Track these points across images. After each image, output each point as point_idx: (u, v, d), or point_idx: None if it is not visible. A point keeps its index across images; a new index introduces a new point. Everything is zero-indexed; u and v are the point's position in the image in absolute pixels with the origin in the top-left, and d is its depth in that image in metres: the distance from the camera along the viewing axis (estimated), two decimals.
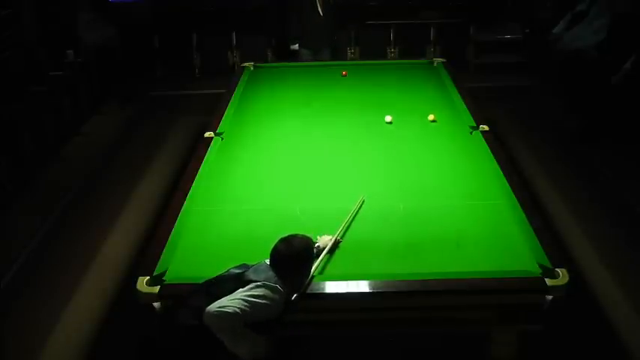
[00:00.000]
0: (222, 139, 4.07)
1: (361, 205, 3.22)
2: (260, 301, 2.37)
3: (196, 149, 3.96)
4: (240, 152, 3.96)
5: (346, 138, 4.13)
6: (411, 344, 3.30)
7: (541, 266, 2.65)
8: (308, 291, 2.57)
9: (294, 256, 2.49)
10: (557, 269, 2.60)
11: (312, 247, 2.61)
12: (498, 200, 3.26)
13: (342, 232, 2.98)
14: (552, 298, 2.53)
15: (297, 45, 6.49)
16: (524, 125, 6.34)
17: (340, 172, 3.67)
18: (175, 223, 3.03)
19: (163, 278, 2.63)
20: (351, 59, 7.57)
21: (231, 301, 2.34)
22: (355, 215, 3.14)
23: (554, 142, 5.96)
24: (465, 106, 4.47)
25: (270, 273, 2.46)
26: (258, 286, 2.40)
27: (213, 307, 2.32)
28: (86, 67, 6.88)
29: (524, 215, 3.01)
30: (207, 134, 4.07)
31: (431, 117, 4.39)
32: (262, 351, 2.45)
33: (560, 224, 4.52)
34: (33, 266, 4.23)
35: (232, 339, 2.38)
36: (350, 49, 7.97)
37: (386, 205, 3.27)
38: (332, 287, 2.58)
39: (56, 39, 7.03)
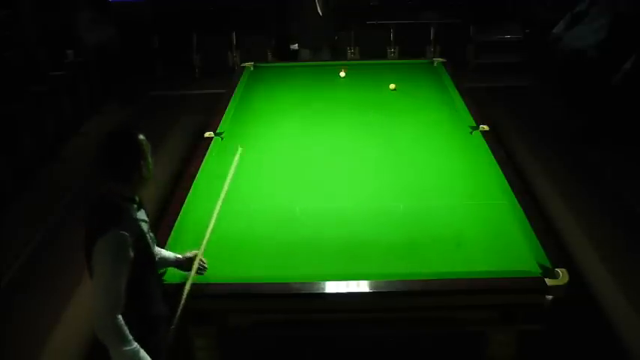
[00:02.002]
0: (222, 139, 4.06)
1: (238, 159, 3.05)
2: (115, 270, 2.06)
3: (196, 149, 3.96)
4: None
5: (346, 138, 4.13)
6: (410, 344, 3.30)
7: (541, 266, 2.65)
8: (308, 291, 2.57)
9: (101, 163, 2.16)
10: (557, 269, 2.60)
11: (127, 137, 2.19)
12: (498, 200, 3.25)
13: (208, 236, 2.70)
14: (552, 298, 2.52)
15: (296, 45, 6.50)
16: (524, 125, 6.34)
17: (340, 171, 3.67)
18: (175, 223, 3.02)
19: (163, 278, 2.63)
20: (351, 59, 7.57)
21: (96, 302, 2.08)
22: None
23: (554, 142, 5.96)
24: (465, 106, 4.47)
25: (102, 210, 2.16)
26: (101, 262, 2.08)
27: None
28: (86, 67, 6.89)
29: (524, 215, 3.01)
30: (207, 134, 4.06)
31: (392, 86, 4.87)
32: None
33: (560, 224, 4.52)
34: (33, 266, 4.23)
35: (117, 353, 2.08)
36: (350, 49, 7.98)
37: (386, 204, 3.27)
38: (332, 287, 2.58)
39: (56, 39, 7.04)
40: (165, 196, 4.59)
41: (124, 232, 2.09)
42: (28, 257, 4.32)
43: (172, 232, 2.94)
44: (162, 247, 2.75)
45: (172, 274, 2.65)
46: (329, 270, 2.72)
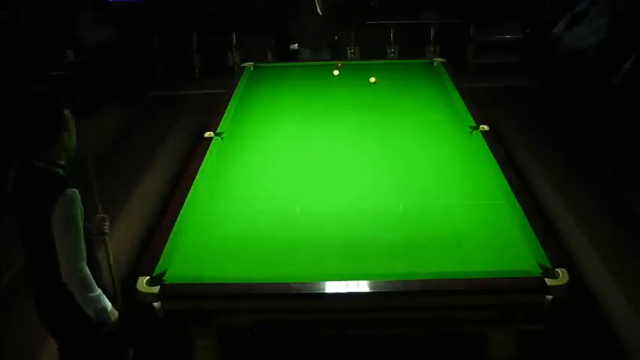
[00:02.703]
0: (222, 139, 4.07)
1: None
2: (78, 223, 2.37)
3: (196, 149, 3.96)
4: (240, 152, 3.96)
5: (346, 138, 4.13)
6: (410, 344, 3.30)
7: (541, 266, 2.65)
8: (308, 291, 2.57)
9: (29, 132, 2.43)
10: (557, 269, 2.60)
11: (52, 109, 2.44)
12: (498, 200, 3.25)
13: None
14: (552, 298, 2.53)
15: (296, 45, 6.50)
16: (524, 125, 6.35)
17: (340, 171, 3.67)
18: (175, 223, 3.03)
19: (163, 278, 2.63)
20: (351, 59, 7.57)
21: (65, 257, 2.37)
22: None
23: (554, 142, 5.96)
24: (465, 106, 4.47)
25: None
26: (66, 219, 2.35)
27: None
28: (86, 67, 6.89)
29: (524, 215, 3.01)
30: (207, 134, 4.07)
31: (372, 79, 5.03)
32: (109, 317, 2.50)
33: (560, 224, 4.53)
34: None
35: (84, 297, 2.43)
36: (350, 49, 7.98)
37: (386, 204, 3.27)
38: (332, 287, 2.58)
39: (56, 39, 7.04)
40: (165, 196, 4.60)
41: (75, 189, 2.39)
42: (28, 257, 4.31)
43: (172, 232, 2.94)
44: (162, 247, 2.77)
45: (172, 275, 2.66)
46: (328, 270, 2.72)
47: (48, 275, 2.45)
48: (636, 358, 3.33)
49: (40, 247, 2.45)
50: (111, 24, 7.18)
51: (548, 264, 2.65)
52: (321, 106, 4.69)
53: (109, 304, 2.52)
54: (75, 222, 2.36)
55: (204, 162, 3.69)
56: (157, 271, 2.66)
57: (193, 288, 2.60)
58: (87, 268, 2.41)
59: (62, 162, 2.50)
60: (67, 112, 2.46)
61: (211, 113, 4.55)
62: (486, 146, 3.79)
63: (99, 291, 2.47)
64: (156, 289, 2.55)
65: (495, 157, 3.62)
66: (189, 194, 3.30)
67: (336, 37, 6.69)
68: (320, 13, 6.29)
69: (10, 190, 2.49)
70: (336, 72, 5.33)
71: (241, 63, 5.93)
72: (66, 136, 2.46)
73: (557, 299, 2.52)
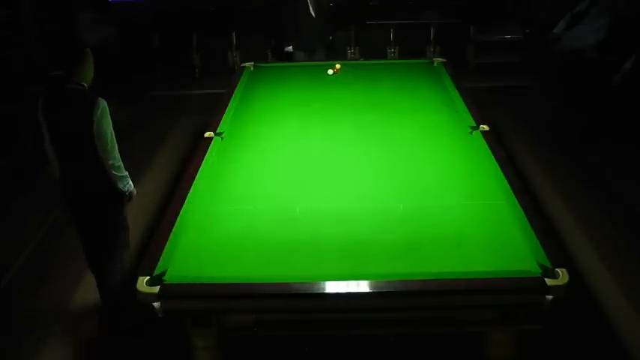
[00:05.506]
0: (222, 139, 4.07)
1: None
2: (108, 126, 3.28)
3: (196, 149, 3.96)
4: (240, 152, 3.96)
5: (346, 138, 4.13)
6: (410, 344, 3.30)
7: (541, 266, 2.65)
8: (308, 291, 2.57)
9: (64, 59, 3.22)
10: (557, 269, 2.60)
11: (79, 44, 3.32)
12: (498, 200, 3.25)
13: None
14: (552, 298, 2.52)
15: (290, 47, 6.48)
16: (524, 125, 6.35)
17: (340, 171, 3.67)
18: (175, 223, 3.02)
19: (163, 278, 2.63)
20: (351, 59, 7.57)
21: (111, 146, 3.28)
22: None
23: (554, 142, 5.96)
24: (465, 106, 4.47)
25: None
26: (106, 120, 3.28)
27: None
28: None
29: (524, 215, 3.01)
30: (207, 134, 4.06)
31: (330, 71, 5.28)
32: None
33: (560, 224, 4.53)
34: (34, 266, 4.23)
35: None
36: (350, 49, 7.99)
37: (385, 204, 3.27)
38: (332, 287, 2.58)
39: (56, 39, 7.04)
40: (165, 196, 4.60)
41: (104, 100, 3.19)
42: (28, 257, 4.32)
43: (172, 232, 2.94)
44: (162, 247, 2.77)
45: (172, 275, 2.66)
46: (328, 270, 2.72)
47: (91, 172, 3.23)
48: (636, 358, 3.33)
49: (84, 153, 3.21)
50: (111, 24, 7.18)
51: (548, 264, 2.64)
52: (321, 106, 4.69)
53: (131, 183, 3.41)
54: (110, 121, 3.25)
55: (204, 162, 3.68)
56: (156, 271, 2.65)
57: (193, 288, 2.60)
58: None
59: (86, 85, 3.23)
60: (88, 49, 3.26)
61: (211, 113, 4.54)
62: (486, 146, 3.78)
63: (126, 172, 3.35)
64: (156, 289, 2.54)
65: (495, 157, 3.62)
66: (189, 194, 3.29)
67: (330, 38, 6.67)
68: (313, 15, 6.27)
69: (43, 114, 3.17)
70: (330, 71, 5.33)
71: (241, 63, 5.92)
72: (87, 66, 3.23)
73: (557, 299, 2.52)
